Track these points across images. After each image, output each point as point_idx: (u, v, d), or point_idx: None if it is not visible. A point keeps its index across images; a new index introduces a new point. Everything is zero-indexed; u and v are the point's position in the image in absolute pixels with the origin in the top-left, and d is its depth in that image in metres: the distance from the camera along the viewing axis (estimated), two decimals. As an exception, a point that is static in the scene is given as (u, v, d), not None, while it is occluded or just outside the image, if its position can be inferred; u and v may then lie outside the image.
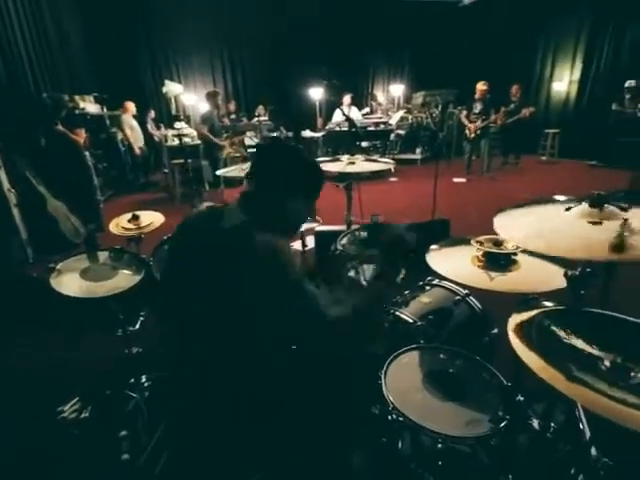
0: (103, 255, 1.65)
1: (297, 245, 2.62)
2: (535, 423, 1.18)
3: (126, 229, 1.78)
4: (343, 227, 2.27)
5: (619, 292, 1.45)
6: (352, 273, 1.87)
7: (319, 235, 2.92)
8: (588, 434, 0.98)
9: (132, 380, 1.65)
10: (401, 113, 7.72)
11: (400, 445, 1.07)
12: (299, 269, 0.97)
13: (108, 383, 1.68)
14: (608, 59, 6.88)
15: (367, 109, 8.51)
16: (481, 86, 5.98)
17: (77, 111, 5.66)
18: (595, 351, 0.76)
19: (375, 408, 1.20)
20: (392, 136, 7.36)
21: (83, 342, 1.88)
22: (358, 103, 8.81)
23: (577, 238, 0.85)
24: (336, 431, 1.12)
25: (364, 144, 7.15)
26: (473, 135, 6.16)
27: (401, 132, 7.62)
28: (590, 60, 7.14)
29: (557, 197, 1.03)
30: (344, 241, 1.89)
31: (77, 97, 5.80)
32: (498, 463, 1.04)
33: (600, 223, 0.86)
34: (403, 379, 1.18)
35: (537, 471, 1.03)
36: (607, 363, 0.73)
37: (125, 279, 1.54)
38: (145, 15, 8.26)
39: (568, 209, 0.93)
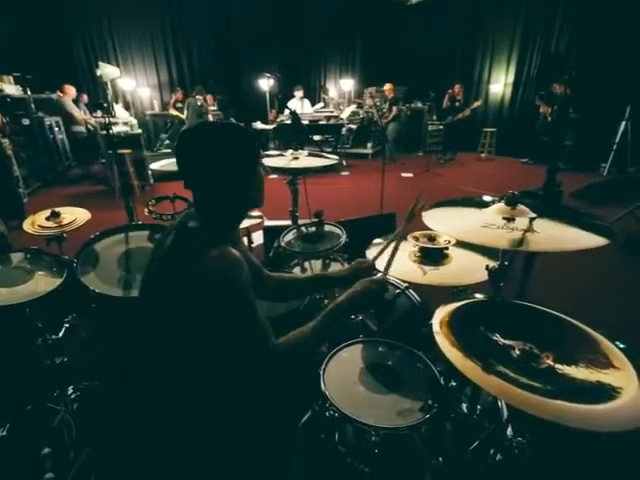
0: (17, 257, 1.47)
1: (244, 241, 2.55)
2: (464, 407, 1.26)
3: (44, 228, 1.60)
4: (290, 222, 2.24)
5: (535, 283, 1.60)
6: (297, 269, 1.86)
7: (268, 230, 2.89)
8: (505, 414, 1.07)
9: (57, 392, 1.51)
10: (352, 108, 7.80)
11: (337, 439, 1.09)
12: (250, 290, 0.90)
13: (28, 397, 1.52)
14: (537, 65, 7.48)
15: (322, 104, 8.43)
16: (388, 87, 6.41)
17: (-8, 92, 5.05)
18: (508, 340, 0.82)
19: (316, 404, 1.21)
20: (344, 130, 7.42)
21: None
22: (311, 96, 8.75)
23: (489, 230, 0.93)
24: (277, 432, 1.11)
25: (316, 137, 7.15)
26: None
27: (352, 126, 7.72)
28: (522, 65, 7.73)
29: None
30: (288, 237, 1.87)
31: (-8, 76, 5.16)
32: (430, 447, 1.10)
33: (512, 219, 0.93)
34: (342, 374, 1.19)
35: (464, 452, 1.10)
36: (517, 351, 0.79)
37: (43, 283, 1.39)
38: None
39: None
